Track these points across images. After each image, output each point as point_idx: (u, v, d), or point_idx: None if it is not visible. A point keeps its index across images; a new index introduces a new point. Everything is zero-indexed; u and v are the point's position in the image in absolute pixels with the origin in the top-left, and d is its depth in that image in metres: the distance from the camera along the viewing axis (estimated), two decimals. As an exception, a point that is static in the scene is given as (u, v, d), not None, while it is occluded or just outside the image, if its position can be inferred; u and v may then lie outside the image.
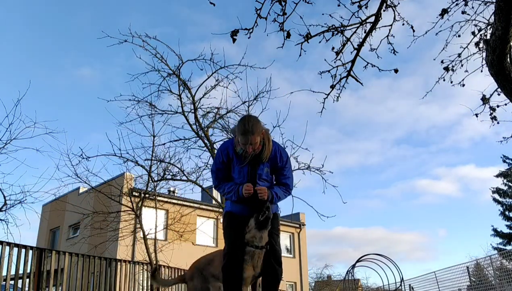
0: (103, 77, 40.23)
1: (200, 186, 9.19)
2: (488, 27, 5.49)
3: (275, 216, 3.40)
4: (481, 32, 5.65)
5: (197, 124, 8.55)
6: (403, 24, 5.06)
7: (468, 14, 5.44)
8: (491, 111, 5.83)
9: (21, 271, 6.69)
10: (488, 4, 5.38)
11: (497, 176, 29.36)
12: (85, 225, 10.85)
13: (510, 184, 28.71)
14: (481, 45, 5.60)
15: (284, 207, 21.41)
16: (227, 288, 3.18)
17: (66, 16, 37.35)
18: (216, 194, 15.91)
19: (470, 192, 57.08)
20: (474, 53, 5.74)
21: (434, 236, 57.81)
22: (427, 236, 58.46)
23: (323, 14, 4.82)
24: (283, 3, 4.18)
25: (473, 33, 5.67)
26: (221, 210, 9.06)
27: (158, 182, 9.32)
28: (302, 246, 26.54)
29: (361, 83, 5.16)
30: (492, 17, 4.58)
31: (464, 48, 5.74)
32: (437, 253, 55.50)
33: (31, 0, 36.66)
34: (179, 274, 9.91)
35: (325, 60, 5.12)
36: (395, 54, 5.03)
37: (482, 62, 5.62)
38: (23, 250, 6.73)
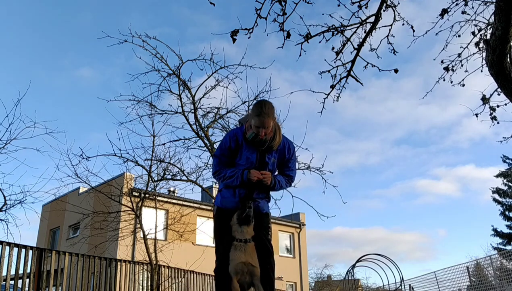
0: (103, 78, 40.25)
1: (200, 186, 9.18)
2: (488, 27, 5.49)
3: (266, 214, 3.40)
4: (481, 32, 5.66)
5: (197, 124, 8.55)
6: (403, 24, 5.06)
7: (468, 14, 5.45)
8: (491, 111, 5.83)
9: (21, 271, 6.70)
10: (488, 4, 5.39)
11: (497, 176, 29.41)
12: (85, 225, 10.85)
13: (510, 184, 28.72)
14: (481, 45, 5.60)
15: (284, 207, 21.43)
16: (220, 288, 3.22)
17: (66, 17, 37.37)
18: (216, 194, 15.84)
19: (470, 192, 57.15)
20: (474, 53, 5.75)
21: (434, 236, 57.88)
22: (427, 236, 58.52)
23: (323, 14, 4.83)
24: (283, 3, 4.19)
25: (473, 33, 5.67)
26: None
27: (158, 182, 9.32)
28: (302, 246, 26.53)
29: (361, 83, 5.16)
30: (492, 17, 4.59)
31: (464, 48, 5.74)
32: (437, 253, 55.58)
33: (32, 1, 36.67)
34: (179, 274, 9.92)
35: (325, 60, 5.13)
36: (395, 54, 5.04)
37: (482, 62, 5.63)
38: (23, 250, 6.73)
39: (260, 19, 4.10)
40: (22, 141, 6.68)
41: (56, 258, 7.44)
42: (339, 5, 4.71)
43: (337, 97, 5.34)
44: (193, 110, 8.51)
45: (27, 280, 7.22)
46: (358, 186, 55.59)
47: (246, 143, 3.24)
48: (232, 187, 3.28)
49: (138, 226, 9.09)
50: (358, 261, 14.55)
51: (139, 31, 8.84)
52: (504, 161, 29.16)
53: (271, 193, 3.53)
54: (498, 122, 5.85)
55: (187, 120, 8.53)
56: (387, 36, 5.03)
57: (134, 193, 10.39)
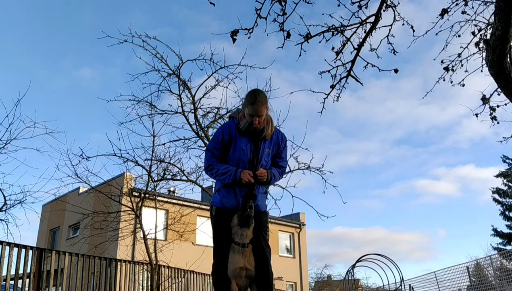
0: (103, 78, 40.25)
1: (200, 186, 9.18)
2: (488, 27, 5.49)
3: (264, 213, 3.40)
4: (481, 32, 5.66)
5: (197, 124, 8.54)
6: (403, 24, 5.06)
7: (468, 14, 5.45)
8: (491, 111, 5.83)
9: (21, 271, 6.70)
10: (488, 4, 5.38)
11: (497, 176, 29.42)
12: (85, 225, 10.85)
13: (510, 184, 28.73)
14: (481, 45, 5.60)
15: (284, 207, 21.46)
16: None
17: (66, 17, 37.37)
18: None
19: (470, 192, 57.16)
20: (474, 53, 5.74)
21: (434, 236, 57.90)
22: (427, 236, 58.55)
23: (323, 14, 4.82)
24: (283, 3, 4.18)
25: (473, 33, 5.67)
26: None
27: (158, 182, 9.32)
28: (302, 246, 26.53)
29: (361, 83, 5.16)
30: (492, 17, 4.59)
31: (464, 48, 5.74)
32: (437, 253, 55.61)
33: (32, 1, 36.68)
34: (179, 274, 9.92)
35: (325, 60, 5.13)
36: (395, 54, 5.04)
37: (482, 62, 5.62)
38: (23, 250, 6.73)
39: (260, 19, 4.10)
40: (22, 141, 6.68)
41: (56, 258, 7.44)
42: (339, 5, 4.71)
43: (337, 97, 5.34)
44: (193, 110, 8.51)
45: (27, 280, 7.22)
46: (358, 186, 55.65)
47: (240, 134, 3.25)
48: (231, 186, 3.24)
49: (138, 226, 9.09)
50: (358, 261, 14.56)
51: (139, 31, 8.85)
52: (504, 161, 29.20)
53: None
54: (498, 122, 5.84)
55: (187, 120, 8.53)
56: (387, 36, 5.04)
57: (134, 193, 10.38)
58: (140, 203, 9.08)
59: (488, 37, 4.31)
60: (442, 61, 5.77)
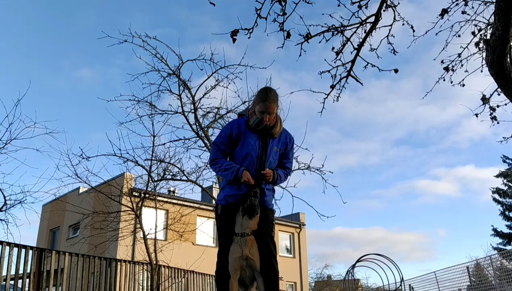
0: (103, 78, 40.25)
1: (200, 186, 9.19)
2: (488, 27, 5.49)
3: (271, 210, 3.40)
4: (481, 32, 5.66)
5: (197, 124, 8.55)
6: (403, 24, 5.06)
7: (468, 14, 5.45)
8: (491, 111, 5.83)
9: (21, 271, 6.69)
10: (488, 4, 5.38)
11: (497, 176, 29.42)
12: (85, 225, 10.85)
13: (510, 184, 28.72)
14: (481, 45, 5.60)
15: (284, 207, 21.47)
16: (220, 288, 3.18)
17: (66, 17, 37.37)
18: (216, 194, 15.90)
19: (470, 192, 57.16)
20: (474, 53, 5.74)
21: (434, 236, 57.91)
22: (427, 236, 58.54)
23: (323, 14, 4.82)
24: (283, 3, 4.18)
25: (473, 33, 5.67)
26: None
27: (158, 182, 9.32)
28: (302, 246, 26.53)
29: (361, 83, 5.16)
30: (492, 17, 4.58)
31: (464, 48, 5.74)
32: (437, 253, 55.61)
33: (32, 1, 36.67)
34: (179, 274, 9.92)
35: (325, 60, 5.13)
36: (395, 54, 5.04)
37: (482, 62, 5.62)
38: (23, 250, 6.73)
39: (260, 19, 4.09)
40: (22, 141, 6.68)
41: (56, 258, 7.44)
42: (339, 5, 4.71)
43: (337, 97, 5.34)
44: (193, 110, 8.52)
45: (27, 280, 7.22)
46: (358, 186, 55.63)
47: (249, 130, 3.26)
48: (233, 183, 3.24)
49: (138, 226, 9.09)
50: (358, 261, 14.56)
51: (139, 31, 8.86)
52: (504, 161, 29.20)
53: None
54: (498, 122, 5.84)
55: (187, 120, 8.54)
56: (387, 36, 5.04)
57: (134, 193, 10.38)
58: (140, 203, 9.08)
59: (488, 37, 4.31)
60: (442, 61, 5.77)
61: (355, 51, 5.04)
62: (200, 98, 8.52)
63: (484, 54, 5.06)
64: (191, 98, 8.51)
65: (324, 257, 73.09)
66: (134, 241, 12.89)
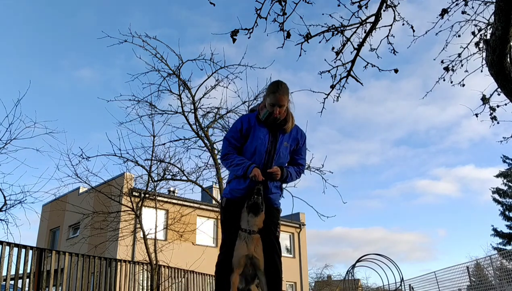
0: (103, 78, 40.24)
1: (200, 186, 9.18)
2: (488, 27, 5.49)
3: (277, 209, 3.35)
4: (481, 32, 5.66)
5: (197, 124, 8.55)
6: (403, 24, 5.06)
7: (468, 14, 5.45)
8: (491, 111, 5.83)
9: (21, 271, 6.69)
10: (488, 4, 5.39)
11: (497, 176, 29.42)
12: (85, 225, 10.85)
13: (510, 184, 28.73)
14: (481, 45, 5.60)
15: (284, 207, 21.38)
16: (218, 283, 3.14)
17: (66, 17, 37.37)
18: (216, 194, 15.90)
19: (470, 192, 57.16)
20: (474, 53, 5.74)
21: (434, 236, 57.91)
22: (427, 236, 58.54)
23: (323, 14, 4.82)
24: (283, 3, 4.18)
25: (473, 33, 5.67)
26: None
27: (158, 182, 9.32)
28: (302, 246, 26.53)
29: (361, 83, 5.16)
30: (492, 17, 4.58)
31: (464, 48, 5.74)
32: (437, 253, 55.62)
33: (32, 0, 36.68)
34: (179, 274, 9.92)
35: (325, 60, 5.13)
36: (395, 54, 5.04)
37: (482, 62, 5.62)
38: (23, 250, 6.73)
39: (260, 19, 4.09)
40: (22, 141, 6.68)
41: (56, 258, 7.44)
42: (339, 5, 4.71)
43: (337, 97, 5.34)
44: (193, 110, 8.51)
45: (27, 280, 7.22)
46: (358, 186, 55.63)
47: (259, 124, 3.23)
48: (241, 178, 3.21)
49: (138, 226, 9.09)
50: (358, 261, 14.56)
51: (139, 31, 8.85)
52: (504, 161, 29.21)
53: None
54: (498, 122, 5.84)
55: (187, 120, 8.53)
56: (387, 36, 5.04)
57: (134, 193, 10.38)
58: (140, 203, 9.08)
59: (488, 37, 4.31)
60: (442, 61, 5.77)
61: (355, 51, 5.04)
62: (200, 98, 8.53)
63: (484, 54, 5.06)
64: (191, 98, 8.51)
65: (324, 257, 73.15)
66: (134, 241, 12.88)
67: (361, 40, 4.96)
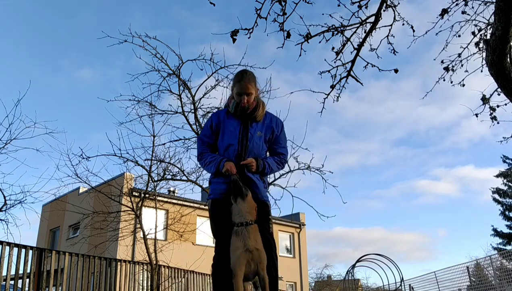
0: (103, 78, 40.24)
1: (200, 186, 9.18)
2: (488, 27, 5.49)
3: (266, 204, 3.12)
4: (481, 32, 5.66)
5: (197, 124, 8.54)
6: (403, 24, 5.06)
7: (468, 14, 5.45)
8: (491, 111, 5.83)
9: (21, 271, 6.69)
10: (488, 4, 5.39)
11: (497, 176, 29.43)
12: (85, 225, 10.85)
13: (510, 184, 28.73)
14: (481, 45, 5.60)
15: (284, 207, 21.47)
16: (215, 285, 2.97)
17: (66, 17, 37.37)
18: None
19: (470, 192, 57.17)
20: (474, 53, 5.74)
21: (434, 236, 57.93)
22: (427, 236, 58.56)
23: (323, 14, 4.83)
24: (283, 3, 4.19)
25: (473, 33, 5.67)
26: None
27: (158, 182, 9.32)
28: (302, 246, 26.54)
29: (361, 83, 5.16)
30: (492, 17, 4.59)
31: (464, 48, 5.74)
32: (437, 253, 55.64)
33: (32, 1, 36.68)
34: (179, 274, 9.92)
35: (325, 60, 5.13)
36: (395, 54, 5.04)
37: (482, 62, 5.63)
38: (23, 250, 6.73)
39: (260, 19, 4.10)
40: (22, 141, 6.69)
41: (56, 258, 7.44)
42: (339, 5, 4.72)
43: (337, 97, 5.35)
44: (193, 110, 8.51)
45: (27, 280, 7.22)
46: (358, 186, 55.62)
47: (229, 117, 3.15)
48: (217, 176, 3.09)
49: (138, 226, 9.09)
50: (358, 261, 14.56)
51: (139, 32, 8.85)
52: (504, 161, 29.22)
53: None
54: (498, 122, 5.85)
55: (187, 120, 8.53)
56: (387, 36, 5.04)
57: (134, 193, 10.38)
58: (140, 203, 9.08)
59: (488, 37, 4.31)
60: (442, 61, 5.78)
61: (355, 51, 5.04)
62: (200, 98, 8.52)
63: (484, 54, 5.06)
64: (191, 98, 8.51)
65: (324, 257, 73.16)
66: (134, 241, 12.89)
67: (361, 40, 4.97)
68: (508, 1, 3.56)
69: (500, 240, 28.24)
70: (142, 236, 8.78)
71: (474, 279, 17.11)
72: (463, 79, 5.85)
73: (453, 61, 5.78)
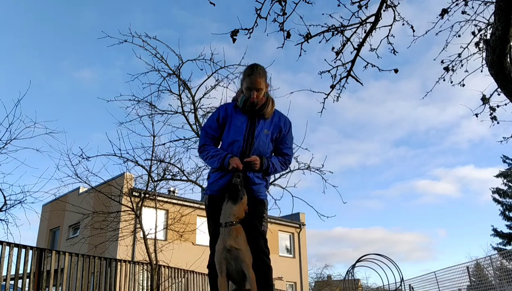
0: (103, 78, 40.24)
1: (200, 186, 9.18)
2: (488, 27, 5.49)
3: (261, 201, 3.04)
4: (481, 32, 5.66)
5: (197, 124, 8.54)
6: (403, 24, 5.07)
7: (468, 14, 5.45)
8: (491, 112, 5.83)
9: (21, 271, 6.69)
10: (488, 4, 5.39)
11: (497, 176, 29.43)
12: (85, 225, 10.85)
13: (510, 184, 28.73)
14: (481, 45, 5.60)
15: (284, 207, 21.51)
16: (211, 286, 2.96)
17: (66, 17, 37.37)
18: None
19: (470, 193, 57.18)
20: (474, 53, 5.74)
21: (434, 236, 57.93)
22: (427, 236, 58.57)
23: (323, 14, 4.83)
24: (283, 3, 4.19)
25: (473, 33, 5.68)
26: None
27: (158, 182, 9.32)
28: (302, 246, 26.53)
29: (361, 83, 5.16)
30: (492, 17, 4.59)
31: (464, 48, 5.74)
32: (437, 253, 55.65)
33: (32, 1, 36.68)
34: (179, 274, 9.92)
35: (325, 60, 5.13)
36: (395, 54, 5.04)
37: (482, 62, 5.63)
38: (23, 250, 6.73)
39: (260, 19, 4.10)
40: (22, 141, 6.68)
41: (56, 258, 7.44)
42: (339, 5, 4.72)
43: (337, 97, 5.35)
44: (193, 110, 8.51)
45: (27, 280, 7.22)
46: (358, 186, 55.64)
47: (237, 112, 3.06)
48: (221, 170, 2.99)
49: (138, 226, 9.08)
50: (358, 261, 14.56)
51: (139, 32, 8.85)
52: (504, 161, 29.21)
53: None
54: (498, 123, 5.85)
55: (187, 120, 8.53)
56: (387, 36, 5.04)
57: (134, 193, 10.38)
58: (140, 203, 9.08)
59: (488, 37, 4.31)
60: (442, 61, 5.78)
61: (355, 51, 5.04)
62: (200, 98, 8.52)
63: (484, 54, 5.06)
64: (191, 98, 8.51)
65: (324, 257, 73.17)
66: (134, 241, 12.88)
67: (361, 40, 4.97)
68: (508, 1, 3.56)
69: (500, 240, 28.25)
70: (142, 236, 8.77)
71: (474, 279, 17.11)
72: (463, 79, 5.86)
73: (453, 61, 5.78)
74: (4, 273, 6.33)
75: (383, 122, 49.83)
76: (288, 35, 4.43)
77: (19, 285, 7.03)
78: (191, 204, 17.24)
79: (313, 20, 4.81)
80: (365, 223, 64.14)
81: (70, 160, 8.31)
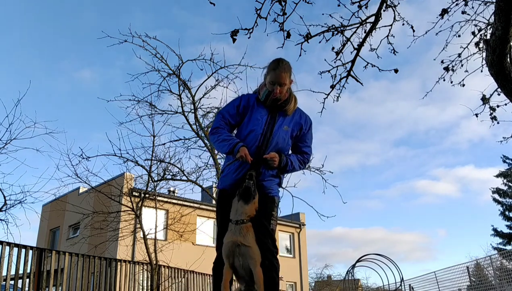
0: (103, 78, 40.23)
1: (200, 186, 9.19)
2: (488, 27, 5.50)
3: (272, 199, 2.97)
4: (481, 32, 5.66)
5: (197, 124, 8.56)
6: (403, 24, 5.07)
7: (468, 14, 5.45)
8: (491, 111, 5.83)
9: (21, 271, 6.69)
10: (488, 4, 5.39)
11: (497, 176, 29.43)
12: (85, 225, 10.85)
13: (510, 184, 28.73)
14: (481, 45, 5.60)
15: (284, 207, 21.56)
16: (214, 280, 2.94)
17: (67, 18, 37.36)
18: (216, 193, 15.90)
19: (470, 193, 57.16)
20: (474, 53, 5.75)
21: (434, 236, 57.91)
22: (427, 236, 58.54)
23: (323, 14, 4.83)
24: (283, 3, 4.19)
25: (473, 33, 5.68)
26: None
27: (158, 182, 9.32)
28: (302, 246, 26.53)
29: (361, 83, 5.16)
30: (492, 17, 4.59)
31: (464, 48, 5.74)
32: (437, 253, 55.61)
33: (32, 1, 36.67)
34: (179, 274, 9.92)
35: (325, 60, 5.13)
36: (395, 54, 5.04)
37: (482, 62, 5.63)
38: (23, 250, 6.73)
39: (260, 19, 4.10)
40: (22, 141, 6.68)
41: (56, 258, 7.44)
42: (339, 5, 4.72)
43: (337, 97, 5.35)
44: (193, 110, 8.52)
45: (27, 280, 7.22)
46: (358, 186, 55.62)
47: (258, 105, 3.00)
48: (234, 162, 2.92)
49: (138, 226, 9.08)
50: (358, 261, 14.55)
51: (139, 32, 8.86)
52: (504, 161, 29.21)
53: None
54: (498, 122, 5.85)
55: (187, 120, 8.54)
56: (387, 36, 5.04)
57: (134, 193, 10.38)
58: (140, 203, 9.08)
59: (488, 37, 4.31)
60: (442, 61, 5.78)
61: (355, 51, 5.04)
62: (200, 98, 8.54)
63: (484, 54, 5.06)
64: (191, 98, 8.53)
65: (324, 257, 73.14)
66: (134, 241, 12.89)
67: (361, 40, 4.97)
68: (508, 1, 3.56)
69: (500, 240, 28.25)
70: (142, 236, 8.78)
71: (474, 279, 17.10)
72: (463, 79, 5.86)
73: (453, 61, 5.79)
74: (4, 273, 6.32)
75: (383, 122, 49.85)
76: (288, 35, 4.43)
77: (19, 285, 7.03)
78: (191, 204, 17.24)
79: (313, 20, 4.82)
80: (365, 223, 64.15)
81: (70, 160, 8.32)
